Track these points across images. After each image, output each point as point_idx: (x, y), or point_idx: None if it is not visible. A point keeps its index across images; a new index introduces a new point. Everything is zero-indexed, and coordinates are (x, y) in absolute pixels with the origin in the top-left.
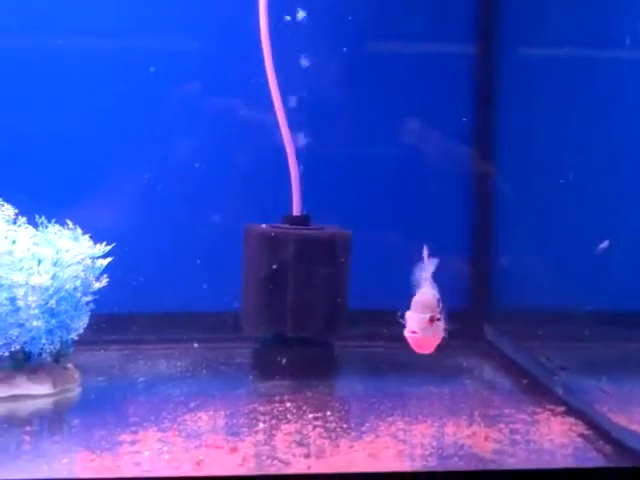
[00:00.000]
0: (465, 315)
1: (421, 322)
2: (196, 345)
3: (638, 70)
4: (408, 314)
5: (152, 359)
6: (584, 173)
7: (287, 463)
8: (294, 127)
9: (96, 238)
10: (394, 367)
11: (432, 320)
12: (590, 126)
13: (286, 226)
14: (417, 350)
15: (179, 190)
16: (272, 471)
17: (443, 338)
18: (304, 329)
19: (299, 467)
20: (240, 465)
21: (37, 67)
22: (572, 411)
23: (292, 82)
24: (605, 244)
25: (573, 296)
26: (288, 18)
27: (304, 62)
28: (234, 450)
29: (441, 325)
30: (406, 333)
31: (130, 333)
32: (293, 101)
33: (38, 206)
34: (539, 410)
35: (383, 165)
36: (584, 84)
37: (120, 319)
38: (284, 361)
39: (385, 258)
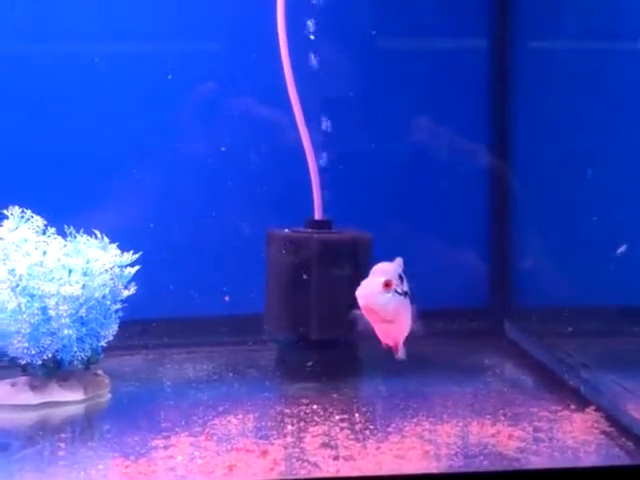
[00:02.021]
0: (486, 313)
1: (373, 285)
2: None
3: None
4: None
5: (178, 363)
6: (602, 168)
7: (316, 465)
8: (314, 131)
9: (121, 246)
10: (416, 366)
11: (388, 285)
12: (608, 119)
13: (308, 230)
14: (375, 328)
15: (201, 196)
16: (302, 474)
17: (415, 330)
18: (328, 331)
19: (328, 469)
20: (271, 469)
21: (61, 76)
22: (594, 408)
23: (310, 84)
24: (623, 248)
25: (593, 292)
26: (309, 25)
27: (320, 63)
28: (265, 454)
29: (406, 305)
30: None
31: (155, 338)
32: (313, 104)
33: (62, 214)
34: (561, 407)
35: (401, 164)
36: (600, 76)
37: (144, 324)
38: (310, 364)
39: (406, 257)
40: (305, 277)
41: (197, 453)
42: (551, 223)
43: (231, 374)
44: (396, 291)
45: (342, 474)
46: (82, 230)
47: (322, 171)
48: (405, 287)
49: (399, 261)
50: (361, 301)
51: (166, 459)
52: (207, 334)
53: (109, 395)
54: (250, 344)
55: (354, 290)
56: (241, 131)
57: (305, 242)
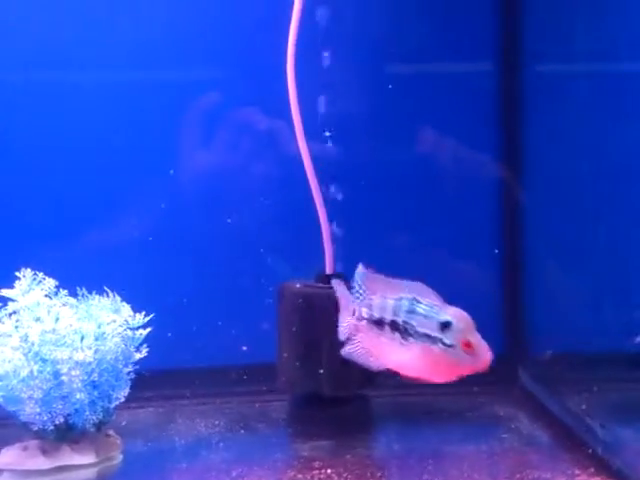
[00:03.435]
0: (499, 359)
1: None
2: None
3: None
4: None
5: (190, 417)
6: (617, 191)
7: None
8: (323, 179)
9: (133, 297)
10: (430, 418)
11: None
12: (618, 142)
13: (320, 285)
14: None
15: (209, 249)
16: None
17: None
18: (342, 388)
19: None
20: None
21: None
22: (611, 471)
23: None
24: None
25: (610, 337)
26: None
27: (330, 100)
28: None
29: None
30: None
31: (165, 389)
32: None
33: (73, 273)
34: (579, 471)
35: (413, 194)
36: (609, 99)
37: (154, 375)
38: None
39: None
40: (316, 331)
41: None
42: (568, 263)
43: (243, 430)
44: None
45: None
46: (94, 291)
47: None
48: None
49: None
50: None
51: None
52: (218, 385)
53: (121, 456)
54: (262, 394)
55: None
56: (253, 187)
57: (317, 298)
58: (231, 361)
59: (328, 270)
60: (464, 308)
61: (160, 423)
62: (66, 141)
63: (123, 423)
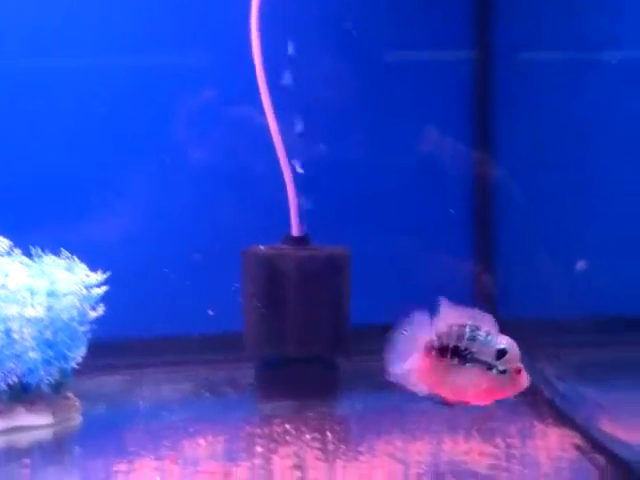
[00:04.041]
0: None
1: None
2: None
3: (633, 72)
4: None
5: (156, 384)
6: (585, 176)
7: None
8: (290, 143)
9: (96, 264)
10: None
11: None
12: (588, 129)
13: (285, 247)
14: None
15: (176, 215)
16: None
17: None
18: (307, 348)
19: None
20: None
21: (30, 85)
22: (569, 422)
23: (287, 100)
24: (582, 265)
25: (575, 302)
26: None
27: (298, 74)
28: (227, 476)
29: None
30: None
31: (134, 358)
32: (289, 116)
33: (28, 234)
34: (538, 423)
35: (382, 177)
36: (581, 87)
37: (124, 344)
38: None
39: (387, 270)
40: (281, 293)
41: (158, 478)
42: (537, 232)
43: (208, 394)
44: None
45: None
46: (49, 251)
47: (299, 184)
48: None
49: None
50: None
51: None
52: (188, 353)
53: (80, 418)
54: (231, 362)
55: (333, 305)
56: (217, 150)
57: (281, 260)
58: (201, 329)
59: (294, 232)
60: (437, 279)
61: (125, 389)
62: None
63: (88, 389)
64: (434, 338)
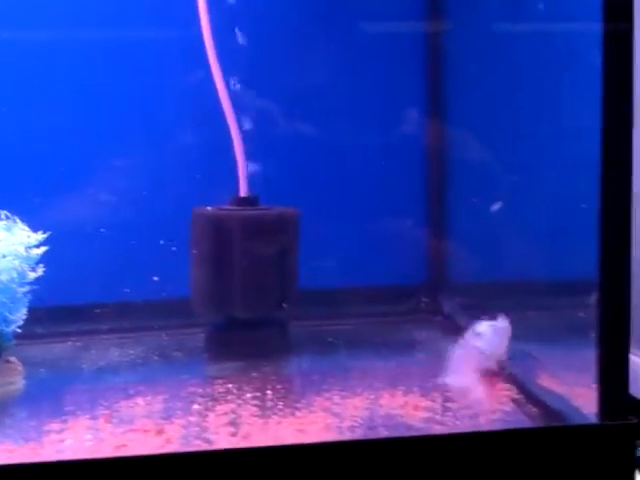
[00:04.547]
0: (424, 289)
1: None
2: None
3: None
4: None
5: (105, 349)
6: (529, 148)
7: (210, 443)
8: (240, 108)
9: (40, 228)
10: (346, 344)
11: None
12: (531, 94)
13: (233, 207)
14: None
15: (126, 177)
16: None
17: None
18: (254, 310)
19: (221, 445)
20: (161, 447)
21: None
22: (510, 377)
23: (236, 63)
24: (497, 205)
25: (526, 266)
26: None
27: (245, 41)
28: (160, 433)
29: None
30: None
31: (85, 324)
32: (237, 82)
33: None
34: (481, 377)
35: (331, 143)
36: (532, 57)
37: (75, 310)
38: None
39: (338, 234)
40: (228, 255)
41: (89, 436)
42: (487, 198)
43: (157, 357)
44: None
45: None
46: None
47: (248, 149)
48: None
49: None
50: None
51: (55, 443)
52: (141, 319)
53: (22, 382)
54: (183, 327)
55: (281, 267)
56: (165, 113)
57: (228, 220)
58: (152, 295)
59: (242, 193)
60: (388, 242)
61: (73, 355)
62: None
63: (35, 354)
64: None
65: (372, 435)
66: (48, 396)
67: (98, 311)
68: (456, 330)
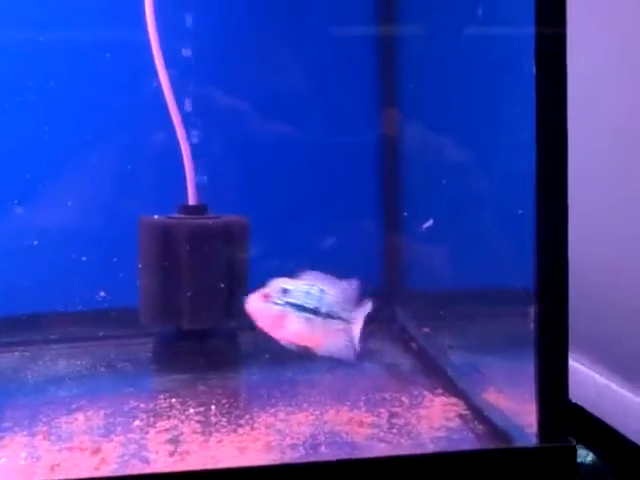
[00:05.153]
0: (380, 299)
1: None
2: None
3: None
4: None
5: (53, 359)
6: (472, 153)
7: (148, 462)
8: (188, 116)
9: None
10: (296, 355)
11: (266, 296)
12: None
13: (181, 216)
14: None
15: (73, 185)
16: (127, 472)
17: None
18: (201, 321)
19: (159, 466)
20: (96, 468)
21: None
22: (456, 391)
23: (187, 70)
24: (429, 223)
25: (478, 275)
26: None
27: (189, 51)
28: (97, 452)
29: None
30: None
31: (33, 334)
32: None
33: None
34: (426, 392)
35: (285, 147)
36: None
37: (23, 320)
38: None
39: (292, 241)
40: (175, 264)
41: (23, 454)
42: (439, 208)
43: (103, 369)
44: (275, 302)
45: (168, 470)
46: None
47: (198, 158)
48: (292, 299)
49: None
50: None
51: None
52: (91, 328)
53: None
54: (133, 337)
55: (230, 277)
56: (114, 119)
57: (175, 228)
58: (100, 304)
59: (190, 201)
60: (344, 252)
61: (19, 365)
62: None
63: None
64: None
65: (313, 455)
66: None
67: (46, 321)
68: (407, 340)
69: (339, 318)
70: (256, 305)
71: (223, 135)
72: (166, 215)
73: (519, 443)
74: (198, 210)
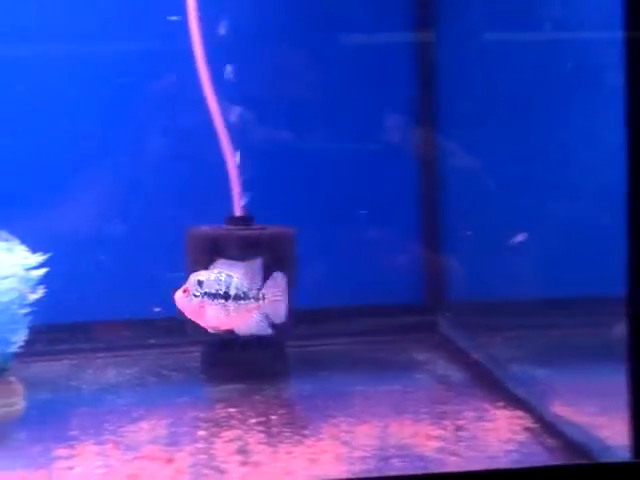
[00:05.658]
0: (419, 309)
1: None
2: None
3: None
4: None
5: (102, 368)
6: (528, 161)
7: (223, 472)
8: (233, 125)
9: (37, 248)
10: (346, 365)
11: (185, 291)
12: (530, 109)
13: (228, 227)
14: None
15: (123, 198)
16: None
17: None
18: None
19: (234, 476)
20: (173, 477)
21: None
22: (520, 405)
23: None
24: (521, 237)
25: (526, 285)
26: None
27: (240, 60)
28: (170, 461)
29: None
30: None
31: (81, 342)
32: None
33: None
34: (488, 405)
35: (327, 159)
36: (522, 67)
37: (71, 328)
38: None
39: (335, 252)
40: None
41: (99, 463)
42: (483, 216)
43: (154, 378)
44: (194, 294)
45: None
46: None
47: (245, 169)
48: (206, 289)
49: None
50: None
51: (66, 470)
52: (134, 338)
53: (22, 403)
54: (179, 346)
55: None
56: (157, 130)
57: (225, 239)
58: (146, 314)
59: (237, 212)
60: (384, 262)
61: (70, 374)
62: None
63: (32, 373)
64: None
65: (386, 467)
66: (51, 419)
67: (91, 329)
68: (452, 350)
69: (248, 298)
70: (180, 301)
71: (265, 146)
72: (214, 226)
73: (608, 458)
74: (246, 221)
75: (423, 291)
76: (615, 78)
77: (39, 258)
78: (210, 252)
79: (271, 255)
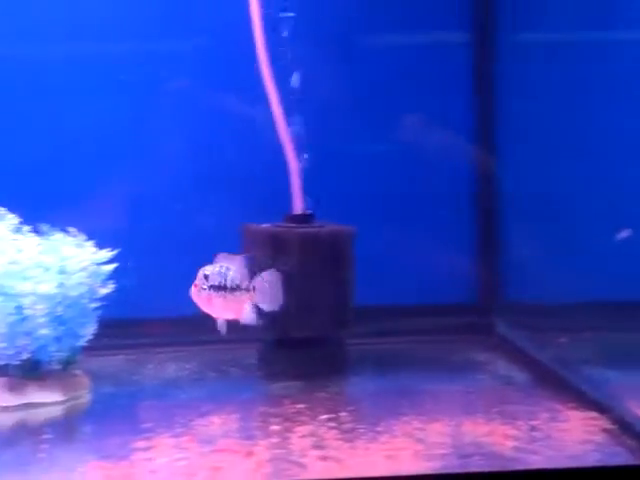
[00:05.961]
0: (475, 308)
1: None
2: None
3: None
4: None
5: (161, 363)
6: (587, 161)
7: (304, 467)
8: (294, 123)
9: (99, 244)
10: (404, 363)
11: (195, 286)
12: (592, 113)
13: (288, 224)
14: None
15: (180, 195)
16: (289, 475)
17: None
18: (308, 328)
19: (316, 471)
20: (255, 470)
21: (30, 72)
22: (594, 405)
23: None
24: (626, 232)
25: (583, 287)
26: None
27: (299, 60)
28: (249, 454)
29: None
30: None
31: (138, 338)
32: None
33: (37, 213)
34: (557, 404)
35: (384, 159)
36: (583, 69)
37: (128, 324)
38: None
39: (391, 252)
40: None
41: (179, 455)
42: (541, 216)
43: (213, 373)
44: (202, 288)
45: (332, 475)
46: (58, 228)
47: (305, 169)
48: (211, 282)
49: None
50: None
51: (147, 461)
52: (190, 333)
53: (89, 396)
54: (234, 342)
55: (337, 285)
56: (219, 128)
57: (285, 236)
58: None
59: (296, 209)
60: (439, 258)
61: (131, 368)
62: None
63: (94, 367)
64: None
65: (466, 464)
66: (118, 412)
67: (147, 325)
68: (511, 350)
69: (241, 289)
70: (193, 295)
71: (325, 146)
72: (273, 223)
73: None
74: (305, 219)
75: (478, 291)
76: None
77: (108, 254)
78: (270, 249)
79: (330, 253)
